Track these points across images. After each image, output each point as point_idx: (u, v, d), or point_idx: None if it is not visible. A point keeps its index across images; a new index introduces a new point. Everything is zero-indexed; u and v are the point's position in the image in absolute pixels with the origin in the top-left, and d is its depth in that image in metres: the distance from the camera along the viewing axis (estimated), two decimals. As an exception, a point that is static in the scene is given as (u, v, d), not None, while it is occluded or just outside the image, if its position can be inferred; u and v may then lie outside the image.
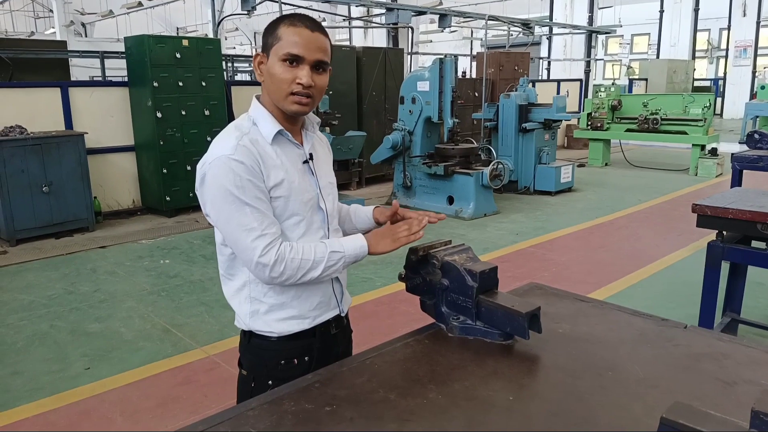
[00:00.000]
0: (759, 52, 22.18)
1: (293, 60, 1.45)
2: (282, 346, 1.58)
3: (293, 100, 1.47)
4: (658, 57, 19.58)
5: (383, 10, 10.13)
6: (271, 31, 1.48)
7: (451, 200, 7.28)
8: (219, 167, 1.43)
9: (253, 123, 1.52)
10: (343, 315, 1.70)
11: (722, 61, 24.35)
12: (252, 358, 1.63)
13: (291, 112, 1.50)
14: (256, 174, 1.44)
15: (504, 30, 12.98)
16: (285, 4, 8.08)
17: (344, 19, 12.39)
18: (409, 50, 10.38)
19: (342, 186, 8.29)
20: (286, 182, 1.50)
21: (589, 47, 15.10)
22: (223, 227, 1.48)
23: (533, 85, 9.05)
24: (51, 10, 24.19)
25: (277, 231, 1.47)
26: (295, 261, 1.45)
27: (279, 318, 1.57)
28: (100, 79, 13.29)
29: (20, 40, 15.80)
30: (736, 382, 1.29)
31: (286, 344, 1.59)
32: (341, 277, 1.68)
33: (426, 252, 1.56)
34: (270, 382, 1.55)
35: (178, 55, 6.91)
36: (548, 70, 16.86)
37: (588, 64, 15.07)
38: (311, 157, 1.60)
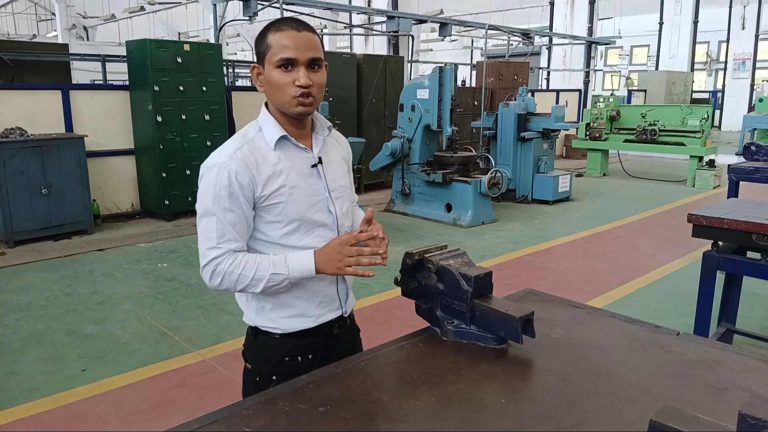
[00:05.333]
0: (757, 65, 22.34)
1: (287, 64, 1.47)
2: (285, 343, 1.63)
3: (296, 102, 1.50)
4: (657, 68, 19.63)
5: (384, 18, 10.19)
6: (260, 41, 1.52)
7: (449, 208, 7.29)
8: (211, 172, 1.51)
9: (259, 129, 1.57)
10: (346, 316, 1.72)
11: (721, 73, 24.48)
12: (257, 353, 1.67)
13: (296, 114, 1.53)
14: (243, 184, 1.49)
15: (504, 39, 13.05)
16: (287, 10, 8.12)
17: (345, 27, 12.46)
18: (410, 58, 10.44)
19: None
20: (285, 188, 1.53)
21: (588, 58, 15.17)
22: (197, 224, 1.56)
23: (532, 95, 9.09)
24: (53, 14, 24.28)
25: (233, 246, 1.51)
26: (233, 274, 1.50)
27: (283, 315, 1.61)
28: (101, 82, 13.31)
29: (22, 42, 15.86)
30: (728, 389, 1.30)
31: (290, 341, 1.63)
32: (347, 279, 1.70)
33: (421, 256, 1.57)
34: (274, 377, 1.59)
35: (179, 60, 6.94)
36: (547, 80, 16.93)
37: (587, 74, 15.14)
38: (320, 160, 1.61)
